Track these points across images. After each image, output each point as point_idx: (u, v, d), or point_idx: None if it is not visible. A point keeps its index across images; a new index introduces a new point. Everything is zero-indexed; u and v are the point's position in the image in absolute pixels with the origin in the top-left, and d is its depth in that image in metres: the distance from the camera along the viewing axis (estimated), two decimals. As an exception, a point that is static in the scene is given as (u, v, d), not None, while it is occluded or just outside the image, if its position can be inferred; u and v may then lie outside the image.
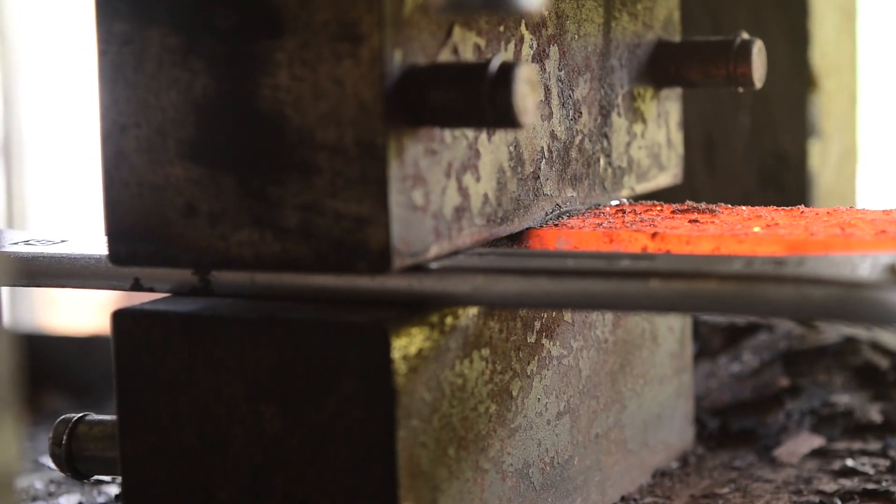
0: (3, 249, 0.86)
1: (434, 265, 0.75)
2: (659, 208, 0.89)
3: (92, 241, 0.86)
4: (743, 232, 0.80)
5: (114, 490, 0.99)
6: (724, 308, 0.71)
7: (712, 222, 0.84)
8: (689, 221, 0.84)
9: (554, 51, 0.86)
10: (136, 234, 0.77)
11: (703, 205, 0.88)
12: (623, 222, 0.85)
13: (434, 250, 0.75)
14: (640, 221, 0.85)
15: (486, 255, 0.77)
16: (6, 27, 2.42)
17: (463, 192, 0.77)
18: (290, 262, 0.74)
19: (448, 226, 0.76)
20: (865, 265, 0.69)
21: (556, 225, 0.85)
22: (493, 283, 0.74)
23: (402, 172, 0.73)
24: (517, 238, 0.84)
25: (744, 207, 0.88)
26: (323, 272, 0.75)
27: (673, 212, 0.88)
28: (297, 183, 0.74)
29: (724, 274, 0.71)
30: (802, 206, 0.88)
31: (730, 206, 0.89)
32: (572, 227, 0.84)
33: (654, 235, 0.81)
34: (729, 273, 0.70)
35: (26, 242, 0.86)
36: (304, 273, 0.75)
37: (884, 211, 0.86)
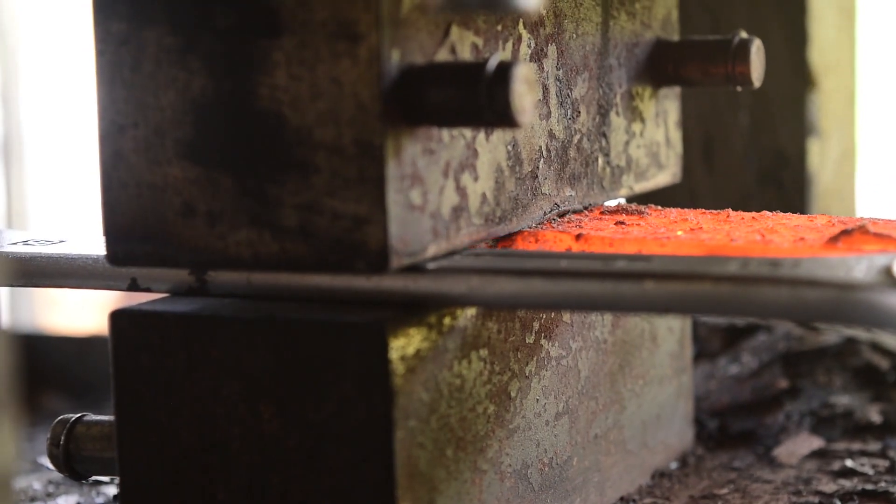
0: (2, 250, 0.86)
1: (431, 265, 0.75)
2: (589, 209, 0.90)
3: (90, 241, 0.86)
4: (665, 235, 0.81)
5: (112, 491, 0.99)
6: (720, 310, 0.71)
7: (638, 224, 0.84)
8: (616, 223, 0.84)
9: (552, 50, 0.86)
10: (134, 235, 0.77)
11: (633, 206, 0.89)
12: (549, 222, 0.85)
13: (432, 250, 0.75)
14: (568, 222, 0.85)
15: (482, 255, 0.77)
16: (6, 27, 2.42)
17: (461, 191, 0.77)
18: (289, 261, 0.74)
19: (446, 225, 0.76)
20: (861, 267, 0.69)
21: None
22: (489, 284, 0.74)
23: (399, 172, 0.73)
24: None
25: (672, 210, 0.89)
26: (322, 272, 0.75)
27: (602, 213, 0.88)
28: (296, 182, 0.74)
29: (719, 275, 0.70)
30: (729, 210, 0.88)
31: (659, 208, 0.89)
32: None
33: (578, 237, 0.81)
34: (724, 275, 0.70)
35: (25, 242, 0.86)
36: (303, 273, 0.75)
37: (808, 217, 0.86)
